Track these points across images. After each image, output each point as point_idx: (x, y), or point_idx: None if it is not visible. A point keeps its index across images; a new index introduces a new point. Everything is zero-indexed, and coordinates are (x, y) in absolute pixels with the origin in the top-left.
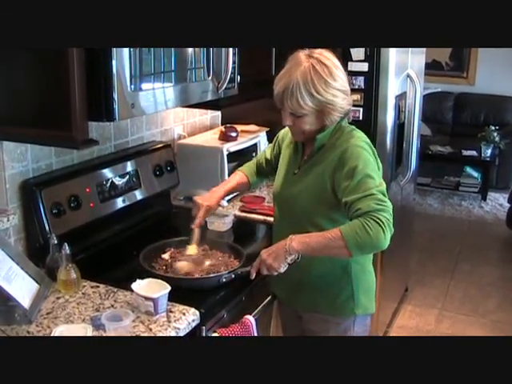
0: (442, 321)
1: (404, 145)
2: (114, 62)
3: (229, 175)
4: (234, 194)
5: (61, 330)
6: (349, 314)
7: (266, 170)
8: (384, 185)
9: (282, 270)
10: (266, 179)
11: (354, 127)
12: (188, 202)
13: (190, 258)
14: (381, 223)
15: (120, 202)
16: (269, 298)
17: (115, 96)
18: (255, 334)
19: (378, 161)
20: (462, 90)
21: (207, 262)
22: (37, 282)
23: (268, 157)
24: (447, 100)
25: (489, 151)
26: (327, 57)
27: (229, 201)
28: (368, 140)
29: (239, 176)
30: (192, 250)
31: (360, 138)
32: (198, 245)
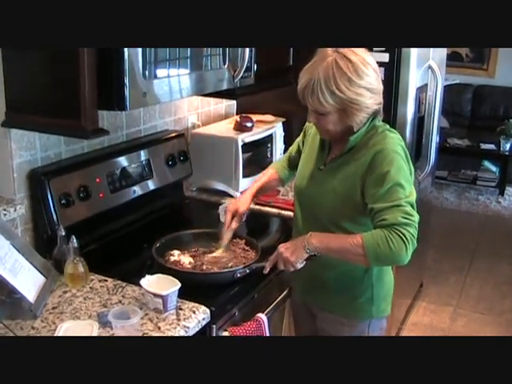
0: (457, 319)
1: (423, 138)
2: (125, 49)
3: (243, 166)
4: (266, 191)
5: (66, 327)
6: (366, 318)
7: (297, 162)
8: (414, 195)
9: (299, 265)
10: None
11: (387, 126)
12: (201, 193)
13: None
14: (405, 239)
15: (131, 193)
16: (282, 295)
17: (127, 84)
18: (267, 333)
19: (411, 165)
20: (481, 82)
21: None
22: (43, 274)
23: (298, 147)
24: (466, 92)
25: (508, 145)
26: (355, 52)
27: (242, 192)
28: (402, 142)
29: (270, 173)
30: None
31: (394, 139)
32: (226, 248)
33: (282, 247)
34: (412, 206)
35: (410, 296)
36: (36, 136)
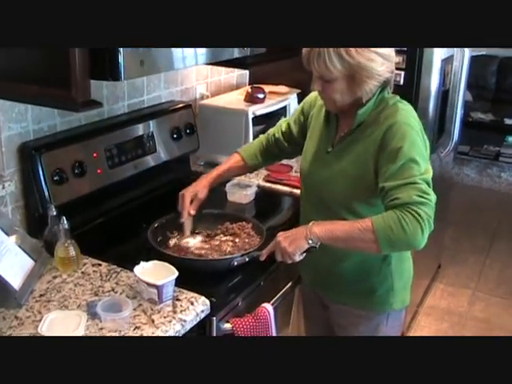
0: (475, 303)
1: (447, 113)
2: None
3: (253, 139)
4: (228, 178)
5: (52, 318)
6: (385, 310)
7: (281, 148)
8: (430, 172)
9: (298, 258)
10: (277, 160)
11: (398, 98)
12: (208, 168)
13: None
14: (420, 220)
15: (131, 169)
16: (290, 283)
17: (120, 51)
18: (273, 325)
19: (426, 140)
20: (507, 53)
21: (224, 239)
22: (32, 258)
23: (285, 129)
24: (491, 64)
25: None
26: None
27: None
28: (415, 114)
29: (234, 159)
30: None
31: (407, 112)
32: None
33: (280, 235)
34: (428, 183)
35: (428, 277)
36: (28, 107)
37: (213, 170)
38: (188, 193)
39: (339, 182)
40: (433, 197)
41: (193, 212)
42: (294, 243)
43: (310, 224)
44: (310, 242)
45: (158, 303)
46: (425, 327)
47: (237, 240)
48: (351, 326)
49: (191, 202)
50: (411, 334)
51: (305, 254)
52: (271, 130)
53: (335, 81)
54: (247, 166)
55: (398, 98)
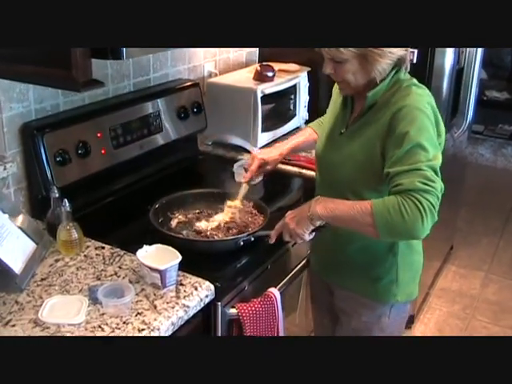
0: (488, 285)
1: (461, 92)
2: None
3: (263, 119)
4: (301, 151)
5: (53, 302)
6: (388, 300)
7: None
8: (439, 159)
9: (307, 237)
10: None
11: (414, 81)
12: (217, 147)
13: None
14: (421, 208)
15: (137, 149)
16: (299, 266)
17: None
18: (279, 310)
19: (441, 127)
20: None
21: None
22: (34, 241)
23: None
24: None
25: None
26: None
27: (261, 148)
28: (432, 99)
29: (308, 132)
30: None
31: (421, 96)
32: (242, 201)
33: (288, 216)
34: (435, 171)
35: (440, 259)
36: (29, 86)
37: (286, 141)
38: (259, 159)
39: (348, 166)
40: (438, 185)
41: (256, 180)
42: (300, 223)
43: (314, 201)
44: (312, 220)
45: (161, 288)
46: (436, 309)
47: (239, 219)
48: (354, 313)
49: (259, 167)
50: (422, 316)
51: (314, 233)
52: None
53: (347, 62)
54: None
55: (414, 80)
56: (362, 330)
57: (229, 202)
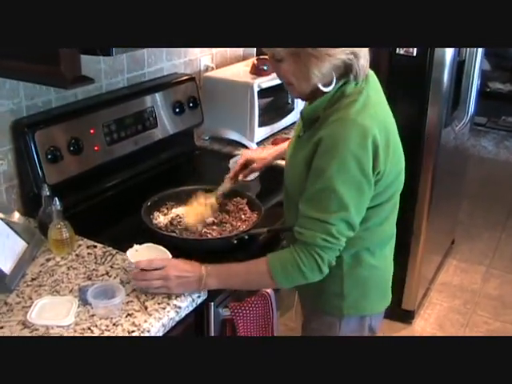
0: (489, 280)
1: (463, 84)
2: None
3: (260, 113)
4: None
5: (43, 304)
6: (334, 313)
7: None
8: (362, 205)
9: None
10: None
11: (364, 97)
12: (213, 142)
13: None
14: (319, 261)
15: (131, 145)
16: None
17: None
18: (274, 310)
19: (396, 155)
20: None
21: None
22: (25, 240)
23: None
24: None
25: None
26: None
27: (258, 143)
28: (384, 118)
29: None
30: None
31: (361, 109)
32: (219, 197)
33: (171, 269)
34: (347, 223)
35: (441, 253)
36: (20, 83)
37: (278, 146)
38: (246, 156)
39: (291, 172)
40: (343, 240)
41: (241, 177)
42: (183, 287)
43: (205, 274)
44: (201, 290)
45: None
46: (437, 304)
47: (232, 217)
48: (308, 320)
49: (245, 166)
50: (422, 311)
51: None
52: None
53: (283, 60)
54: None
55: (364, 96)
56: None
57: (203, 196)
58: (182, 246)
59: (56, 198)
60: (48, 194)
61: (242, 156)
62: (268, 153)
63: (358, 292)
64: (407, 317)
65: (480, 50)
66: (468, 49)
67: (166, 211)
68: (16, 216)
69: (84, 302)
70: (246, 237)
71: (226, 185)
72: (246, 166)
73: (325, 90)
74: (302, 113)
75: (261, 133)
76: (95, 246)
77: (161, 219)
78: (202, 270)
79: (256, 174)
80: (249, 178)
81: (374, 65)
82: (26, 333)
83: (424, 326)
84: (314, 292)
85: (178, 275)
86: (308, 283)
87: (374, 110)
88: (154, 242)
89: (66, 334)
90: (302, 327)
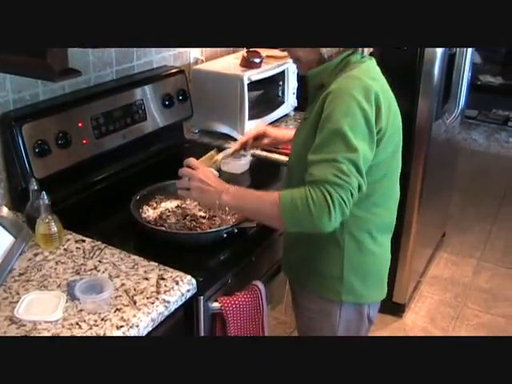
0: (481, 272)
1: (454, 77)
2: None
3: (250, 106)
4: None
5: (30, 299)
6: (333, 298)
7: None
8: (365, 154)
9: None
10: None
11: (366, 66)
12: (203, 135)
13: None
14: (330, 201)
15: (120, 138)
16: None
17: None
18: (264, 303)
19: (384, 120)
20: None
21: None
22: (12, 234)
23: None
24: None
25: None
26: None
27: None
28: (377, 72)
29: None
30: (213, 164)
31: (359, 81)
32: (225, 157)
33: (199, 174)
34: (355, 165)
35: (432, 246)
36: (6, 75)
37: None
38: (260, 129)
39: (293, 153)
40: (354, 180)
41: (248, 146)
42: (202, 195)
43: (225, 190)
44: (220, 206)
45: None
46: (427, 297)
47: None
48: (305, 310)
49: (256, 136)
50: (413, 304)
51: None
52: None
53: None
54: None
55: (366, 66)
56: (313, 328)
57: (210, 153)
58: (172, 240)
59: (44, 192)
60: (36, 188)
61: (256, 128)
62: (282, 134)
63: (357, 277)
64: (398, 310)
65: None
66: None
67: (155, 205)
68: (3, 210)
69: (72, 296)
70: (236, 230)
71: (234, 146)
72: (258, 137)
73: (332, 60)
74: (307, 77)
75: (251, 126)
76: (84, 241)
77: (150, 213)
78: (225, 186)
79: (246, 167)
80: (239, 172)
81: None
82: (13, 328)
83: (415, 319)
84: (313, 274)
85: (202, 179)
86: (308, 263)
87: (377, 77)
88: (143, 236)
89: (53, 330)
90: (297, 317)
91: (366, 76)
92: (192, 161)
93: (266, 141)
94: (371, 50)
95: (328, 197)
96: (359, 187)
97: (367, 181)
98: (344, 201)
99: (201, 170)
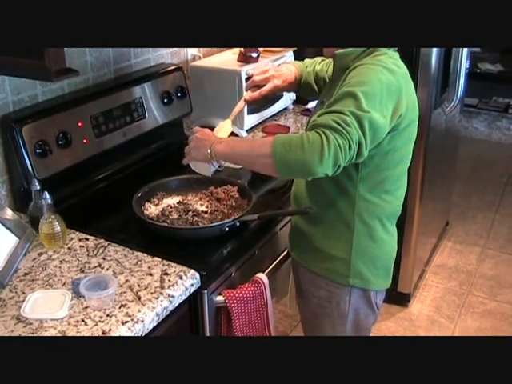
0: (485, 260)
1: (451, 65)
2: None
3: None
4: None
5: (36, 297)
6: (342, 282)
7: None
8: (377, 120)
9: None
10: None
11: (393, 52)
12: None
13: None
14: (325, 142)
15: (120, 136)
16: (286, 251)
17: None
18: (268, 296)
19: (409, 95)
20: None
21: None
22: (16, 235)
23: (318, 68)
24: None
25: None
26: None
27: (248, 131)
28: (402, 64)
29: (293, 70)
30: (225, 126)
31: (389, 58)
32: (233, 122)
33: (197, 133)
34: (359, 121)
35: (436, 235)
36: (5, 77)
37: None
38: (273, 70)
39: None
40: (355, 133)
41: (256, 94)
42: (197, 150)
43: (218, 140)
44: (210, 156)
45: None
46: (432, 286)
47: (223, 205)
48: (313, 297)
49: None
50: (418, 294)
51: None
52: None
53: None
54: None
55: (393, 54)
56: (321, 316)
57: (220, 123)
58: (174, 236)
59: (46, 192)
60: (38, 188)
61: (264, 72)
62: (289, 71)
63: (364, 262)
64: (403, 300)
65: None
66: None
67: (156, 201)
68: (7, 212)
69: (77, 294)
70: (238, 224)
71: (239, 107)
72: (265, 82)
73: None
74: (335, 57)
75: (250, 120)
76: (87, 239)
77: (152, 210)
78: (220, 138)
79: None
80: (239, 166)
81: None
82: (20, 327)
83: (420, 308)
84: (321, 255)
85: (199, 137)
86: (316, 246)
87: (401, 66)
88: (145, 233)
89: (60, 327)
90: (303, 307)
91: (391, 63)
92: (196, 128)
93: (277, 82)
94: None
95: (324, 138)
96: (359, 144)
97: (383, 165)
98: (340, 147)
99: (200, 131)
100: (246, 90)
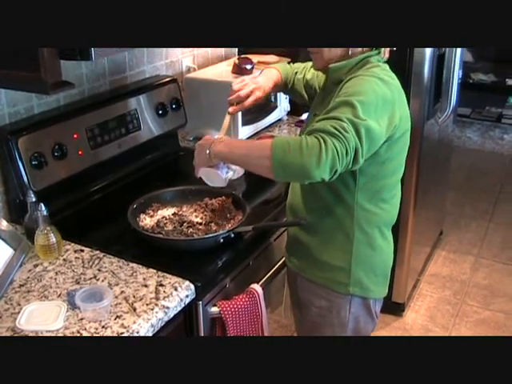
0: (479, 269)
1: (444, 75)
2: None
3: (243, 112)
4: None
5: (31, 309)
6: (342, 291)
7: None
8: (374, 128)
9: (199, 173)
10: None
11: (385, 64)
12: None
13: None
14: (323, 146)
15: (115, 148)
16: (280, 262)
17: None
18: (262, 306)
19: (402, 106)
20: None
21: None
22: (12, 246)
23: (309, 76)
24: None
25: None
26: None
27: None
28: (394, 76)
29: (275, 74)
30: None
31: (382, 70)
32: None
33: (201, 141)
34: (356, 128)
35: (430, 244)
36: (1, 90)
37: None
38: (253, 82)
39: None
40: (352, 139)
41: (248, 102)
42: (198, 154)
43: (217, 141)
44: (210, 156)
45: None
46: (427, 296)
47: (217, 216)
48: (312, 306)
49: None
50: (413, 303)
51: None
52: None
53: None
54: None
55: (385, 66)
56: (321, 325)
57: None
58: (169, 247)
59: (42, 204)
60: (33, 200)
61: (245, 84)
62: (270, 79)
63: (364, 271)
64: (398, 309)
65: None
66: None
67: (152, 213)
68: (2, 223)
69: (73, 305)
70: (232, 235)
71: (227, 121)
72: (251, 93)
73: (353, 58)
74: (328, 70)
75: (245, 132)
76: (82, 250)
77: (147, 221)
78: (219, 139)
79: (241, 172)
80: (235, 177)
81: None
82: None
83: (415, 317)
84: (320, 265)
85: (200, 143)
86: (315, 256)
87: (394, 78)
88: (141, 244)
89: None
90: (301, 317)
91: (384, 74)
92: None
93: (258, 93)
94: (387, 56)
95: (322, 142)
96: (355, 150)
97: (380, 175)
98: (337, 152)
99: (204, 139)
100: (230, 104)
